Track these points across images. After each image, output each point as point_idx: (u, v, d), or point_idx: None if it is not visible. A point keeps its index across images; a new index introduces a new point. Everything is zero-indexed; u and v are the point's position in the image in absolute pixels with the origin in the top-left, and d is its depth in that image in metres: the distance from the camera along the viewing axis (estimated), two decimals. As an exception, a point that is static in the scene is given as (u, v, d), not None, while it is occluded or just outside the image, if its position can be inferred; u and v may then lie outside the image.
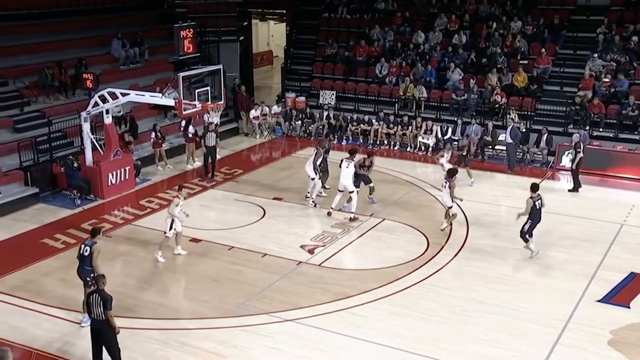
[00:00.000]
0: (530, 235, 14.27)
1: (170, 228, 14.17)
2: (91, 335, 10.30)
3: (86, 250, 11.48)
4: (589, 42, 23.29)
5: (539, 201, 14.14)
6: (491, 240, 15.22)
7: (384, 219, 16.48)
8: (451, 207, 15.70)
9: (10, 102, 19.97)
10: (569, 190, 18.67)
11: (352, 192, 16.46)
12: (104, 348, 10.20)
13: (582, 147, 18.57)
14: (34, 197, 17.74)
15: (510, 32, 24.58)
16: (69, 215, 17.01)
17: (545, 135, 20.73)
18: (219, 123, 20.36)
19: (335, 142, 22.98)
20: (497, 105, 22.52)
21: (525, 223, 14.15)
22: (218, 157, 20.34)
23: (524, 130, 20.86)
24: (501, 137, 21.04)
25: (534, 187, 14.27)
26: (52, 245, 15.13)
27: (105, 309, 9.94)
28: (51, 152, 18.67)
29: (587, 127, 21.09)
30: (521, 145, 20.82)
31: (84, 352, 10.74)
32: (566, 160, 20.04)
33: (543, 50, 23.30)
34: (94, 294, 10.08)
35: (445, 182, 15.71)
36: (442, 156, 18.03)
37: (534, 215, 14.10)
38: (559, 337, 11.41)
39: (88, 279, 11.48)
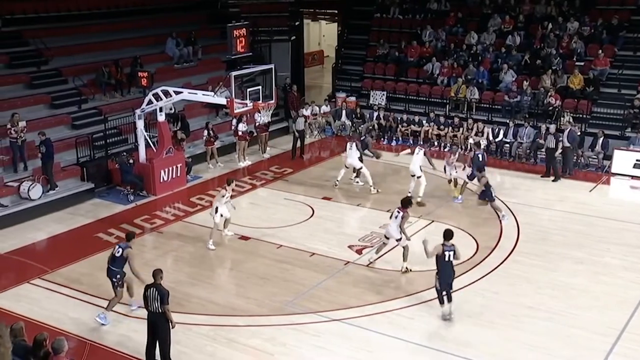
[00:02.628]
0: (449, 299, 11.75)
1: (217, 214, 14.82)
2: (147, 329, 10.53)
3: (118, 252, 11.62)
4: (651, 44, 22.67)
5: (451, 253, 11.57)
6: (543, 244, 14.93)
7: (432, 221, 16.35)
8: (400, 239, 13.63)
9: (69, 100, 20.57)
10: (552, 181, 19.15)
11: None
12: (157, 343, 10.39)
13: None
14: (90, 192, 18.25)
15: (567, 33, 24.05)
16: (122, 211, 17.43)
17: (601, 138, 20.22)
18: (270, 122, 20.65)
19: (384, 142, 22.96)
20: (550, 108, 22.08)
21: (436, 279, 11.78)
22: (275, 152, 20.83)
23: (579, 133, 20.39)
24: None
25: (448, 235, 11.71)
26: (106, 239, 15.52)
27: (162, 304, 10.13)
28: (106, 149, 19.17)
29: (646, 131, 20.51)
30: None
31: (138, 345, 10.98)
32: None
33: (600, 51, 22.71)
34: (151, 288, 10.25)
35: (398, 212, 13.47)
36: (453, 157, 18.07)
37: (443, 268, 11.60)
38: (613, 346, 11.13)
39: (114, 279, 11.70)
